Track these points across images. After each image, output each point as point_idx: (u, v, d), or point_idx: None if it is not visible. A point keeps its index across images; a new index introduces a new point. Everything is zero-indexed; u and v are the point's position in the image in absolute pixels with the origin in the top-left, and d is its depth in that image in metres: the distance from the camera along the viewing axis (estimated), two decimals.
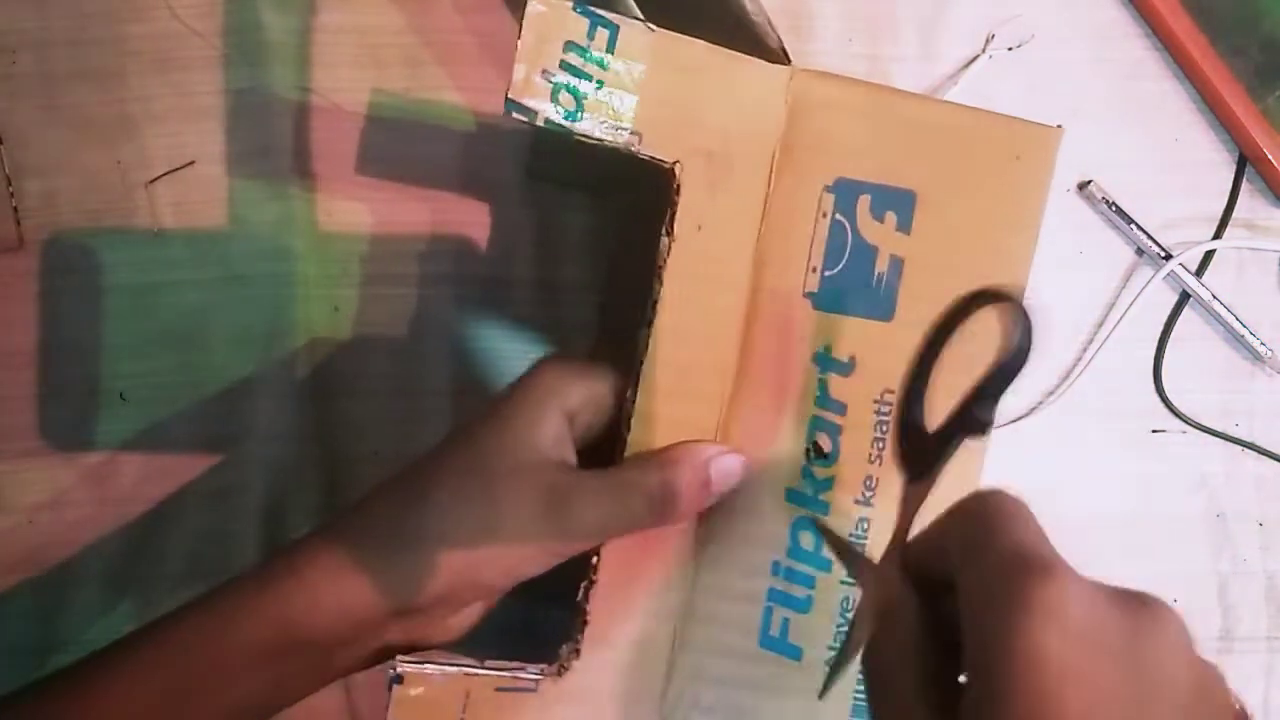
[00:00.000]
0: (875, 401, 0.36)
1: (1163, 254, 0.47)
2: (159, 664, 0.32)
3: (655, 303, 0.34)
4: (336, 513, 0.42)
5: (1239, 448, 0.48)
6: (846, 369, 0.36)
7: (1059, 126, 0.36)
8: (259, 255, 0.44)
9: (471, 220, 0.45)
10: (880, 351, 0.36)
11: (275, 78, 0.44)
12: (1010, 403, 0.47)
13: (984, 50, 0.46)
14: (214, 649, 0.32)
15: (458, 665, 0.33)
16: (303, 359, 0.44)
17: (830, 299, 0.36)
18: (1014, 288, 0.33)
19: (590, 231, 0.45)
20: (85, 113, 0.43)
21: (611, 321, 0.43)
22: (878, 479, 0.37)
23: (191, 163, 0.44)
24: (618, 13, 0.33)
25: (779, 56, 0.35)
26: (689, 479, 0.33)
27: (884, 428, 0.36)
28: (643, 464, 0.34)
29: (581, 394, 0.34)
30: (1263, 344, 0.47)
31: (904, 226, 0.36)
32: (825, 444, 0.36)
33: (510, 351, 0.45)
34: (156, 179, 0.44)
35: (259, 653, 0.32)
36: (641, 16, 0.34)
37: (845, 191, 0.36)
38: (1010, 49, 0.46)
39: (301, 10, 0.44)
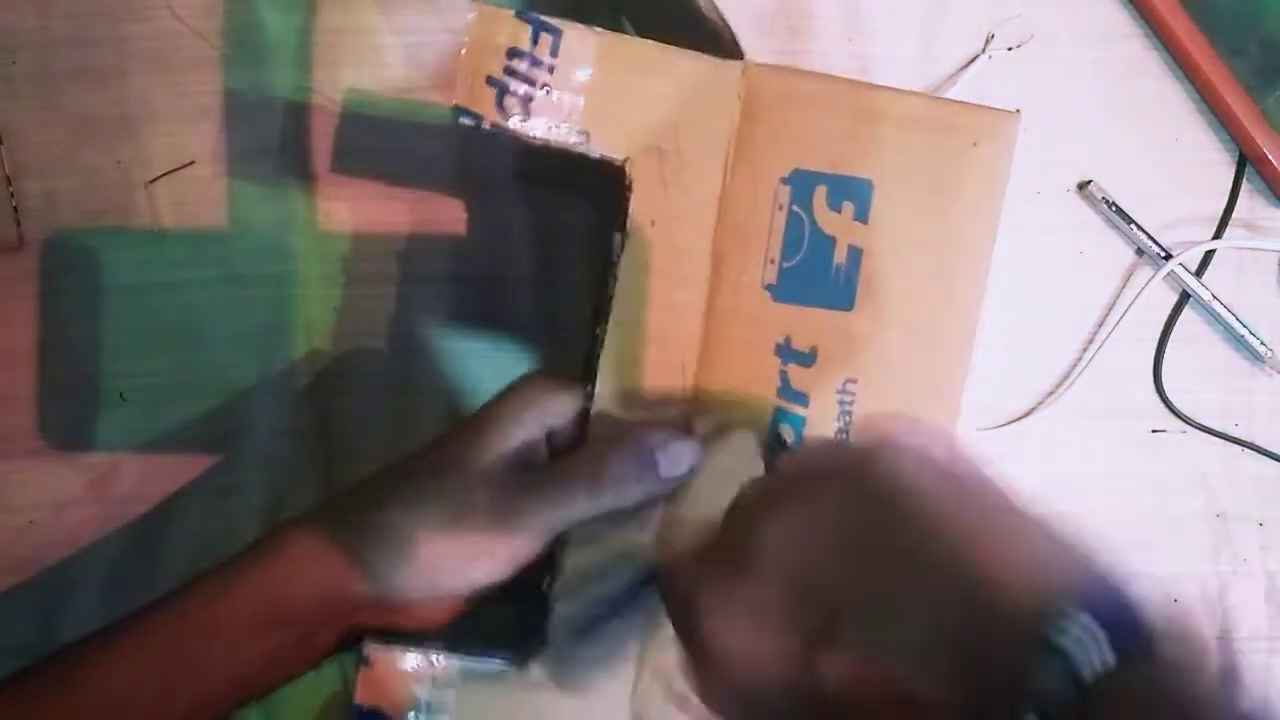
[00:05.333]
0: (838, 391, 0.36)
1: (1163, 254, 0.47)
2: (154, 639, 0.33)
3: (610, 299, 0.35)
4: (324, 497, 0.43)
5: (1239, 448, 0.48)
6: (808, 360, 0.36)
7: (1016, 111, 0.36)
8: (259, 255, 0.44)
9: (469, 220, 0.45)
10: (841, 341, 0.36)
11: (275, 78, 0.44)
12: (1010, 403, 0.47)
13: (984, 50, 0.46)
14: (205, 622, 0.33)
15: (424, 650, 0.34)
16: (302, 358, 0.44)
17: (789, 290, 0.36)
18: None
19: (589, 231, 0.45)
20: (85, 113, 0.44)
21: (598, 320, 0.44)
22: None
23: (191, 163, 0.44)
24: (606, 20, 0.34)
25: (732, 51, 0.36)
26: (625, 463, 0.33)
27: (847, 418, 0.37)
28: (581, 451, 0.35)
29: (563, 410, 0.35)
30: (1263, 344, 0.47)
31: (861, 216, 0.36)
32: (788, 435, 0.37)
33: (508, 351, 0.45)
34: (156, 179, 0.44)
35: (245, 625, 0.33)
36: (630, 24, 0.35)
37: (801, 183, 0.36)
38: (1010, 49, 0.46)
39: (301, 10, 0.44)
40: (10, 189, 0.43)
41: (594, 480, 0.33)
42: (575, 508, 0.33)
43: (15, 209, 0.43)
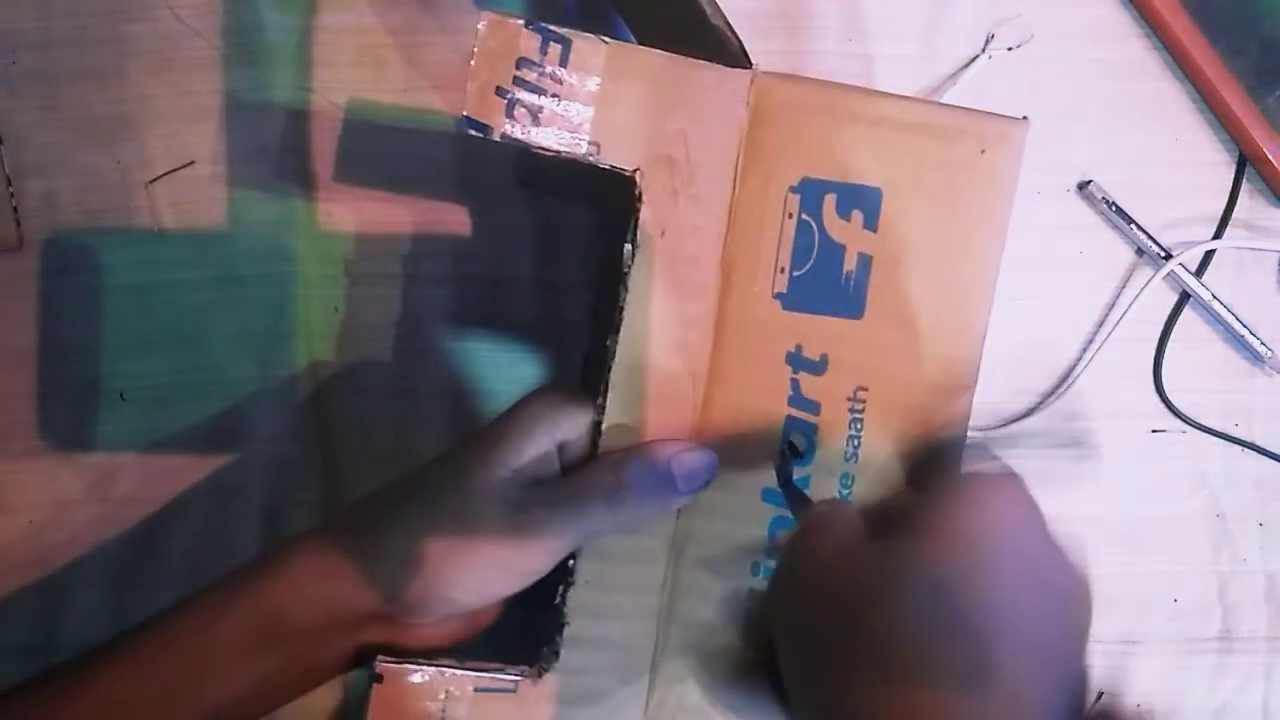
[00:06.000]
0: (849, 400, 0.36)
1: (1163, 254, 0.47)
2: (153, 657, 0.33)
3: (621, 309, 0.34)
4: (329, 513, 0.43)
5: (1239, 448, 0.48)
6: (818, 368, 0.36)
7: (1024, 118, 0.36)
8: (259, 255, 0.44)
9: (471, 220, 0.45)
10: (852, 350, 0.36)
11: (275, 78, 0.44)
12: (1010, 403, 0.47)
13: (984, 50, 0.46)
14: (205, 640, 0.33)
15: (437, 665, 0.34)
16: (302, 359, 0.44)
17: (799, 299, 0.36)
18: None
19: (590, 231, 0.45)
20: (85, 113, 0.43)
21: (603, 326, 0.44)
22: (854, 476, 0.37)
23: (191, 163, 0.44)
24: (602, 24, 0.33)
25: (740, 60, 0.36)
26: (641, 475, 0.33)
27: (858, 425, 0.37)
28: (597, 465, 0.34)
29: (574, 424, 0.35)
30: (1263, 344, 0.47)
31: (871, 224, 0.36)
32: (800, 443, 0.37)
33: (509, 352, 0.45)
34: (156, 179, 0.44)
35: (246, 643, 0.33)
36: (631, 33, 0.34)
37: (811, 191, 0.36)
38: (1010, 49, 0.46)
39: (301, 10, 0.44)
40: (10, 189, 0.43)
41: (612, 494, 0.33)
42: (592, 521, 0.33)
43: (15, 209, 0.43)
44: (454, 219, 0.45)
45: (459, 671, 0.34)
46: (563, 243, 0.45)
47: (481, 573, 0.33)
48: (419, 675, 0.34)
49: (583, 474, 0.34)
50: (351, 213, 0.44)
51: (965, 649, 0.25)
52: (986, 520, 0.27)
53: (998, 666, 0.25)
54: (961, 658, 0.25)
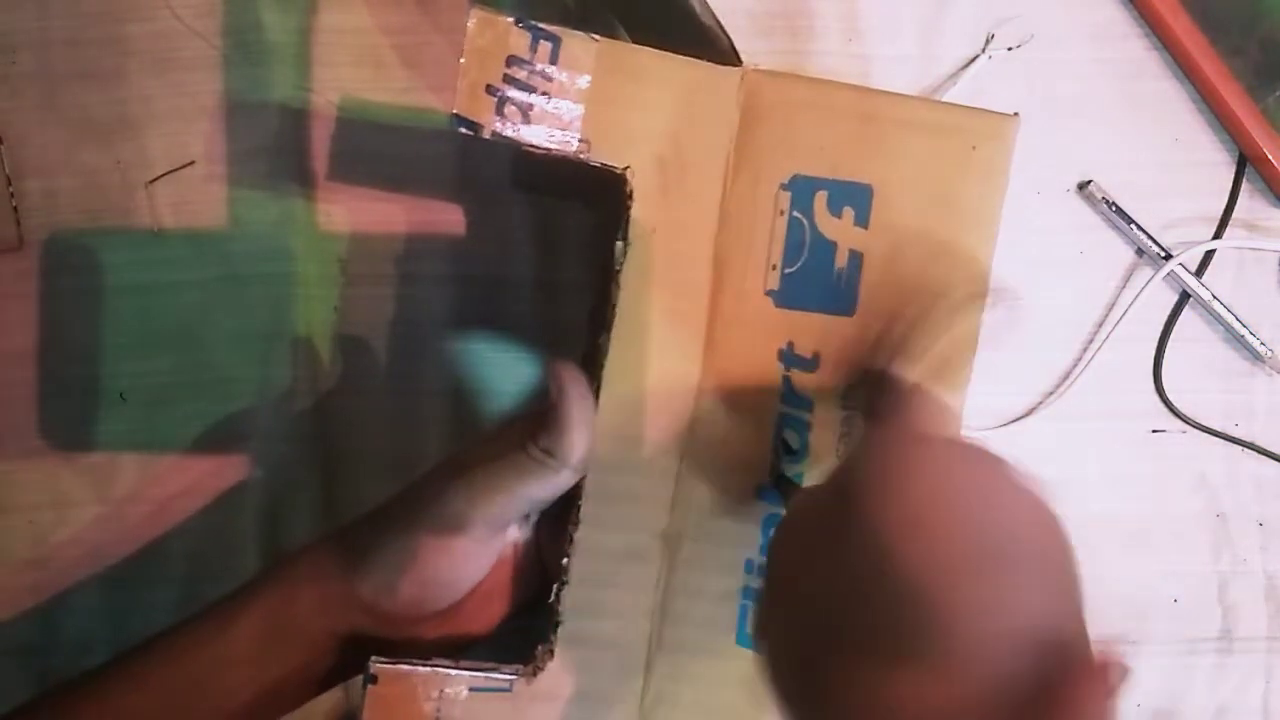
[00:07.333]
0: (841, 396, 0.36)
1: (1163, 254, 0.47)
2: (160, 671, 0.33)
3: (613, 307, 0.34)
4: (329, 528, 0.43)
5: (1239, 448, 0.48)
6: (810, 365, 0.36)
7: (1015, 114, 0.36)
8: (259, 255, 0.44)
9: (470, 221, 0.45)
10: (844, 346, 0.36)
11: (275, 78, 0.44)
12: (1010, 403, 0.47)
13: (984, 50, 0.46)
14: (212, 651, 0.33)
15: (431, 665, 0.34)
16: (302, 359, 0.44)
17: (791, 296, 0.36)
18: None
19: (589, 231, 0.45)
20: (85, 113, 0.44)
21: (599, 327, 0.44)
22: None
23: (191, 163, 0.44)
24: (601, 25, 0.33)
25: (730, 58, 0.36)
26: (515, 449, 0.33)
27: (851, 423, 0.37)
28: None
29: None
30: (1263, 344, 0.47)
31: (862, 221, 0.36)
32: (793, 441, 0.37)
33: (508, 352, 0.45)
34: (156, 179, 0.44)
35: (251, 652, 0.33)
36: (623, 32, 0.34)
37: (801, 188, 0.36)
38: (1010, 49, 0.46)
39: (301, 10, 0.44)
40: (10, 189, 0.43)
41: (510, 453, 0.33)
42: (515, 460, 0.33)
43: (15, 209, 0.43)
44: (453, 219, 0.45)
45: (454, 671, 0.34)
46: (562, 243, 0.45)
47: (459, 560, 0.33)
48: (414, 675, 0.34)
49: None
50: (350, 213, 0.44)
51: (904, 612, 0.24)
52: (916, 471, 0.26)
53: (944, 632, 0.23)
54: (903, 623, 0.24)
